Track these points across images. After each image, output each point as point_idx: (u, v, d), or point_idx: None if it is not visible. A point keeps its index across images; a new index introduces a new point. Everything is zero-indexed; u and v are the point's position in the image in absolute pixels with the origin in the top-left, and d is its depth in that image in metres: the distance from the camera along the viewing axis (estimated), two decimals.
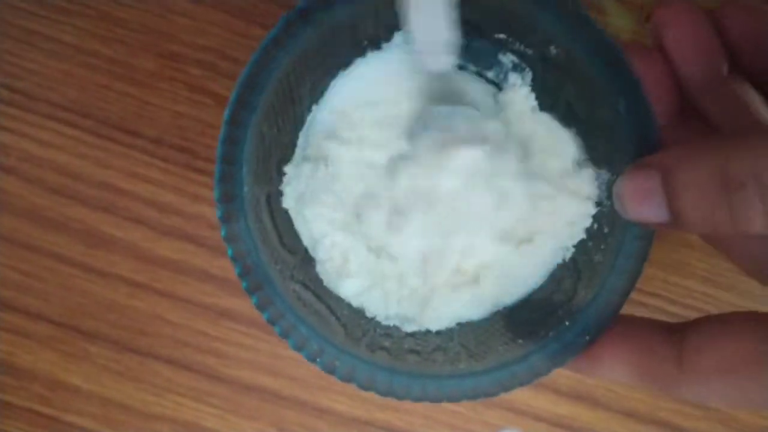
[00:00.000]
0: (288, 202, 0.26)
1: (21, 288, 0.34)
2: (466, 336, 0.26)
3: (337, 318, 0.26)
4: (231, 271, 0.34)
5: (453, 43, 0.24)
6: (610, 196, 0.25)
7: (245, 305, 0.34)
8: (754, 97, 0.24)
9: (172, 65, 0.35)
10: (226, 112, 0.24)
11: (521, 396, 0.34)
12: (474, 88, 0.28)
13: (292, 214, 0.27)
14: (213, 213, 0.34)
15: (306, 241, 0.27)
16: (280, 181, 0.27)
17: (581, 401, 0.34)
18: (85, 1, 0.35)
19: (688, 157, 0.20)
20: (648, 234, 0.23)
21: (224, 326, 0.34)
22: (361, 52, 0.27)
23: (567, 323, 0.24)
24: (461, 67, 0.28)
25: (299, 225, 0.27)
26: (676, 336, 0.22)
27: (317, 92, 0.27)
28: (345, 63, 0.27)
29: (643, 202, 0.21)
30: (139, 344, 0.34)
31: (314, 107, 0.27)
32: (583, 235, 0.26)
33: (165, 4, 0.34)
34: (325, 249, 0.26)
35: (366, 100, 0.27)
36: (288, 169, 0.27)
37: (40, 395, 0.34)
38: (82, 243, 0.34)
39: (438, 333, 0.26)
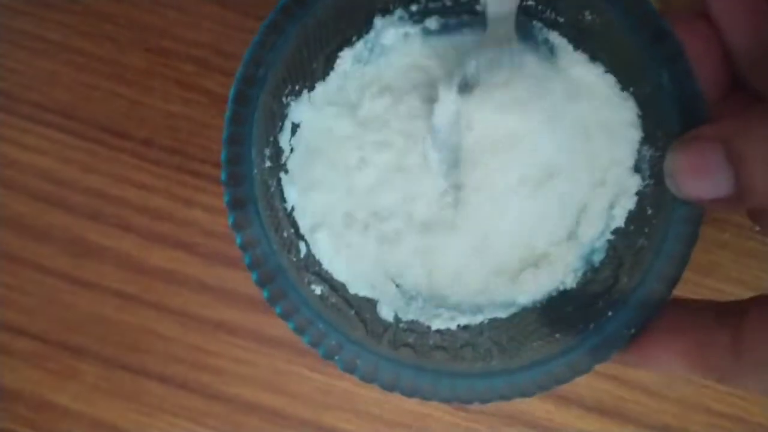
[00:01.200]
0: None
1: (3, 302, 0.32)
2: (497, 331, 0.24)
3: (357, 312, 0.24)
4: (228, 280, 0.32)
5: None
6: (652, 174, 0.23)
7: (244, 317, 0.32)
8: None
9: (163, 62, 0.33)
10: (232, 90, 0.22)
11: (543, 410, 0.32)
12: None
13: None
14: (207, 219, 0.32)
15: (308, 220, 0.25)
16: None
17: (609, 416, 0.32)
18: None
19: (755, 124, 0.18)
20: (697, 215, 0.21)
21: (221, 340, 0.32)
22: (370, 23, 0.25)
23: (609, 314, 0.22)
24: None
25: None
26: (732, 320, 0.20)
27: (330, 65, 0.25)
28: (358, 33, 0.25)
29: (703, 177, 0.19)
30: (130, 361, 0.32)
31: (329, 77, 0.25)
32: (628, 210, 0.24)
33: None
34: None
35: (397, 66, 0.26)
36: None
37: (24, 417, 0.32)
38: (68, 253, 0.32)
39: (466, 328, 0.24)
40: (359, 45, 0.26)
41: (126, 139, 0.32)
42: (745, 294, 0.31)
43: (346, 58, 0.26)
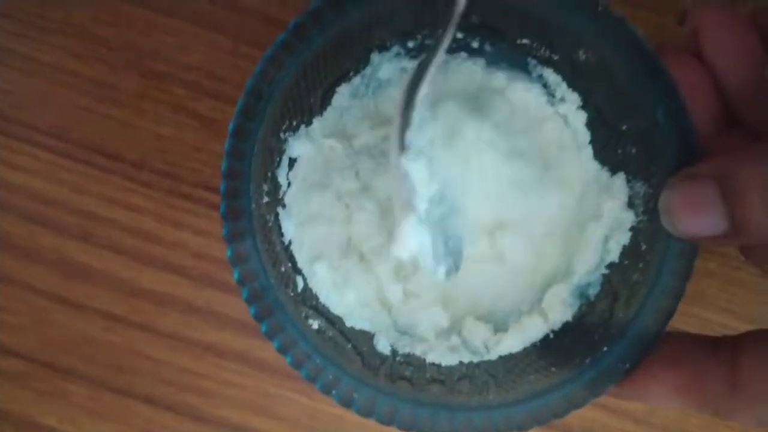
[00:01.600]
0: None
1: None
2: (494, 364, 0.25)
3: (354, 345, 0.24)
4: (216, 303, 0.32)
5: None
6: (646, 210, 0.23)
7: (232, 339, 0.32)
8: None
9: (156, 85, 0.33)
10: (231, 124, 0.22)
11: None
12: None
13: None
14: (197, 241, 0.32)
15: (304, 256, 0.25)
16: None
17: None
18: (65, 18, 0.33)
19: (749, 162, 0.18)
20: (690, 251, 0.22)
21: (209, 362, 0.32)
22: (369, 58, 0.25)
23: (605, 348, 0.23)
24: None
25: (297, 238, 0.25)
26: (726, 353, 0.20)
27: (327, 100, 0.26)
28: (355, 68, 0.26)
29: (698, 215, 0.19)
30: (118, 382, 0.32)
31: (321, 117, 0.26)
32: (623, 245, 0.24)
33: (148, 21, 0.33)
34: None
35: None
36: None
37: None
38: (58, 274, 0.32)
39: (461, 361, 0.25)
40: (356, 80, 0.26)
41: (118, 161, 0.32)
42: (733, 323, 0.32)
43: (343, 93, 0.26)
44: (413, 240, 0.22)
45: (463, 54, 0.26)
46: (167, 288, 0.32)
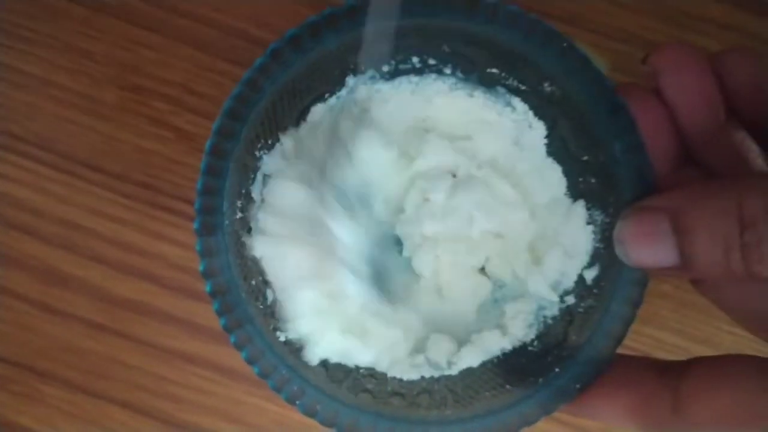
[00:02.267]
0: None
1: None
2: (453, 379, 0.25)
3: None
4: (193, 313, 0.33)
5: None
6: (602, 238, 0.24)
7: (206, 348, 0.33)
8: (751, 147, 0.23)
9: (137, 99, 0.34)
10: (207, 143, 0.23)
11: None
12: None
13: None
14: (176, 253, 0.33)
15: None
16: None
17: None
18: (51, 31, 0.34)
19: (699, 198, 0.19)
20: (643, 279, 0.23)
21: (184, 370, 0.33)
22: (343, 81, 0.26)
23: (557, 370, 0.24)
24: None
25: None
26: (671, 377, 0.21)
27: (303, 117, 0.26)
28: (331, 90, 0.26)
29: (649, 246, 0.20)
30: (95, 386, 0.33)
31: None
32: (579, 271, 0.25)
33: (131, 37, 0.34)
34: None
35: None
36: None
37: None
38: (40, 281, 0.33)
39: (422, 375, 0.26)
40: (332, 100, 0.26)
41: (101, 173, 0.33)
42: (683, 343, 0.33)
43: (317, 113, 0.26)
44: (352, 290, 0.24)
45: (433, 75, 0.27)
46: (146, 297, 0.33)
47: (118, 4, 0.34)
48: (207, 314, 0.33)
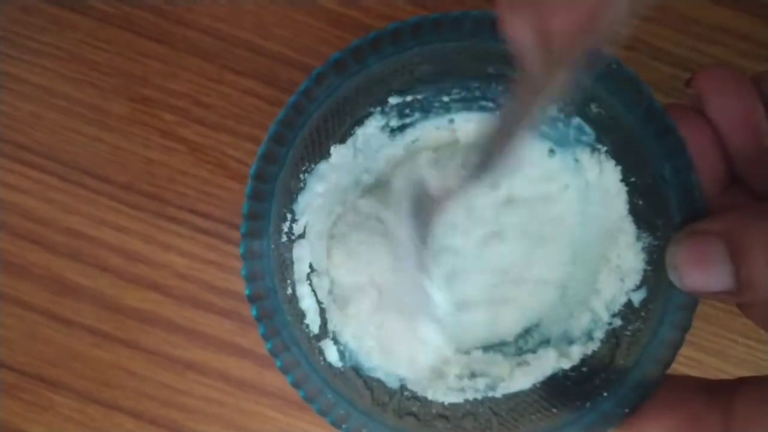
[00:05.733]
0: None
1: None
2: (497, 402, 0.25)
3: (364, 381, 0.25)
4: (199, 322, 0.33)
5: None
6: (650, 261, 0.24)
7: (212, 358, 0.33)
8: None
9: (144, 110, 0.34)
10: (252, 168, 0.23)
11: None
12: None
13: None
14: (182, 263, 0.33)
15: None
16: None
17: None
18: (57, 42, 0.34)
19: (754, 220, 0.19)
20: (691, 303, 0.23)
21: (190, 379, 0.33)
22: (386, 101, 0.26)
23: (605, 393, 0.23)
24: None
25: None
26: (721, 398, 0.21)
27: (344, 141, 0.26)
28: (371, 113, 0.26)
29: (704, 271, 0.20)
30: (103, 395, 0.33)
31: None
32: (630, 294, 0.25)
33: (136, 48, 0.34)
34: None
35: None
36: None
37: None
38: (47, 290, 0.33)
39: (465, 398, 0.25)
40: (375, 121, 0.26)
41: (106, 183, 0.34)
42: (696, 355, 0.33)
43: (360, 135, 0.26)
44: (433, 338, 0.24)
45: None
46: (152, 306, 0.33)
47: (124, 15, 0.34)
48: (212, 323, 0.33)
